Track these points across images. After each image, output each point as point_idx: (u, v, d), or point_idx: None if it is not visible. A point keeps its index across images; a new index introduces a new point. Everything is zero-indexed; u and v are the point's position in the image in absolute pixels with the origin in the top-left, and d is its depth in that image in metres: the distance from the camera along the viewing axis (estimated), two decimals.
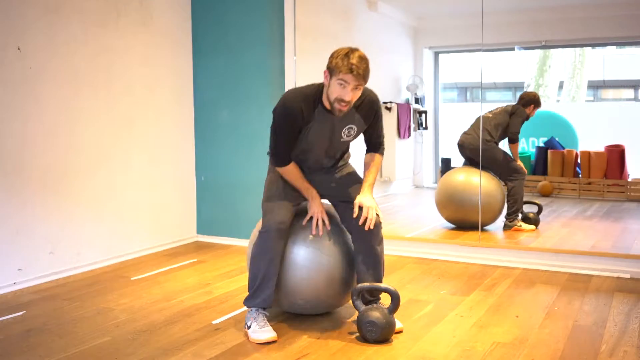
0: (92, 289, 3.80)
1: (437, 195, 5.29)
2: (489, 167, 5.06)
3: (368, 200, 2.92)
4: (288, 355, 2.72)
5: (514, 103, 5.25)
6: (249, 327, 2.94)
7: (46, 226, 3.99)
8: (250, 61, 4.89)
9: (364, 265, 2.99)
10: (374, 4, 5.85)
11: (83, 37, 4.19)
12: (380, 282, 3.03)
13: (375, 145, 3.09)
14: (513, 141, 5.16)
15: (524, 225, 4.97)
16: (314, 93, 2.88)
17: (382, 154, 3.10)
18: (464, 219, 5.07)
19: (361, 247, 2.99)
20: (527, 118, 5.23)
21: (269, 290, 2.95)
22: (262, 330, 2.89)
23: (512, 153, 5.18)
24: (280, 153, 2.98)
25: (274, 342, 2.87)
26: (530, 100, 5.20)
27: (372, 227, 2.89)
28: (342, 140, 2.98)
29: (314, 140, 2.95)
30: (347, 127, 2.93)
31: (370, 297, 3.02)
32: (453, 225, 5.18)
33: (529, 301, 3.48)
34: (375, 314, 2.84)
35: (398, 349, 2.78)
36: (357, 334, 2.91)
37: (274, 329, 2.98)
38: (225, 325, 3.12)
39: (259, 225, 3.14)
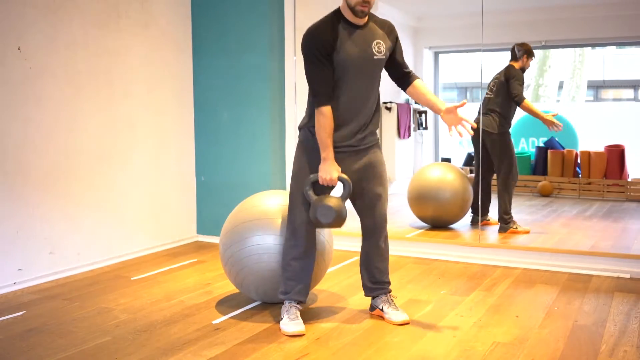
0: (92, 289, 3.80)
1: (408, 195, 5.32)
2: (491, 154, 4.97)
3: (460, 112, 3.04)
4: (288, 355, 2.72)
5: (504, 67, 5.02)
6: (282, 319, 3.03)
7: (46, 226, 3.99)
8: (250, 61, 4.88)
9: (370, 259, 3.14)
10: (374, 4, 5.84)
11: (84, 38, 4.19)
12: (387, 275, 3.17)
13: (407, 74, 3.09)
14: (518, 104, 4.90)
15: (520, 228, 4.96)
16: (332, 14, 2.94)
17: (418, 77, 3.11)
18: (434, 217, 5.13)
19: (368, 244, 3.13)
20: (523, 71, 5.00)
21: (302, 283, 3.06)
22: (292, 323, 2.98)
23: (528, 112, 4.93)
24: (321, 89, 2.87)
25: (301, 335, 2.93)
26: (522, 52, 4.96)
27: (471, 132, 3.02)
28: (375, 57, 2.94)
29: (350, 63, 2.88)
30: (375, 42, 2.95)
31: (378, 285, 3.15)
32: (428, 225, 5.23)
33: (529, 301, 3.48)
34: (331, 201, 2.90)
35: (398, 349, 2.79)
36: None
37: (272, 330, 2.99)
38: (225, 325, 3.12)
39: (237, 219, 3.29)
